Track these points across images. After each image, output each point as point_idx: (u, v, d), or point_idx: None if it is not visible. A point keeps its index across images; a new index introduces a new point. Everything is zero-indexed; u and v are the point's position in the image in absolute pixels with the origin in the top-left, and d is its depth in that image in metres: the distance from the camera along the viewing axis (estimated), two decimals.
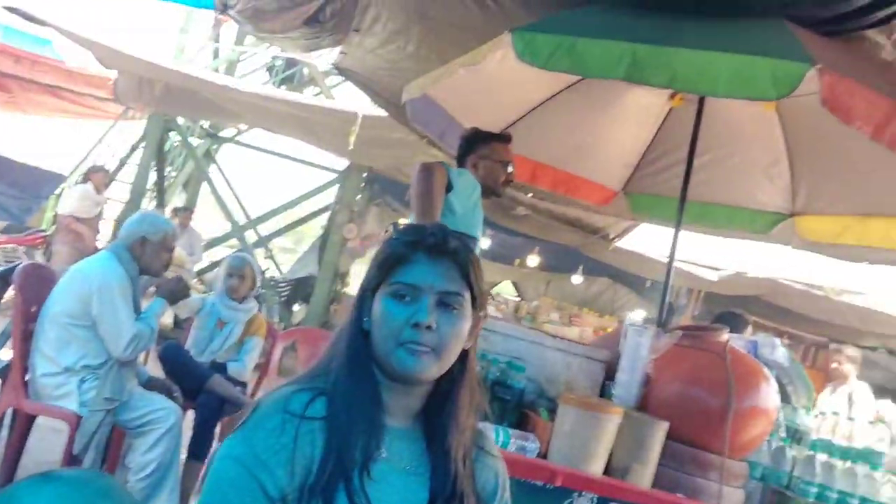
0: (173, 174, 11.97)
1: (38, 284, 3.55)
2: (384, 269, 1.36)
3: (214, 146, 12.10)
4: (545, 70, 2.68)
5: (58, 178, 10.23)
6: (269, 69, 13.23)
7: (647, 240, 8.46)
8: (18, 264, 3.52)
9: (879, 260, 5.20)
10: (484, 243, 10.14)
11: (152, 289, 4.01)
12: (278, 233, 11.39)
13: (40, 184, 10.18)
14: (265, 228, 11.24)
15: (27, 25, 7.09)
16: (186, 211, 9.87)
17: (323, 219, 11.15)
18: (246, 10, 4.64)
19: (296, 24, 4.52)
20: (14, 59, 8.81)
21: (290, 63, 12.44)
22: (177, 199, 11.88)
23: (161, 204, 10.79)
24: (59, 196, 9.47)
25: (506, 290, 13.54)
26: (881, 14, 2.79)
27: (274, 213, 10.88)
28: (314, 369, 1.39)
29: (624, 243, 8.78)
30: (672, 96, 4.08)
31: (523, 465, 2.38)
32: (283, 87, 12.60)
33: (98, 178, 8.70)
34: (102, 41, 7.01)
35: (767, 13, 2.88)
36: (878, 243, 4.01)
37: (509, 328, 3.19)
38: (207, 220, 11.65)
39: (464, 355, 1.39)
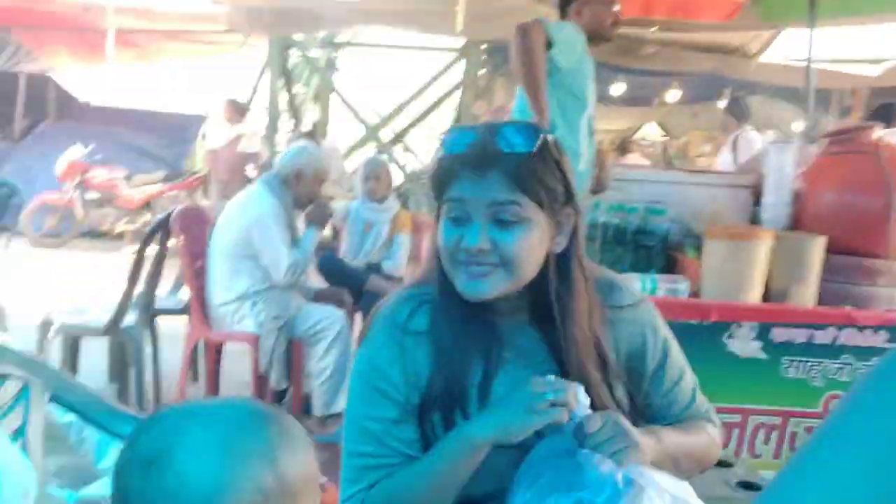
0: (304, 90, 12.22)
1: (196, 224, 3.79)
2: (435, 186, 1.27)
3: (334, 54, 12.20)
4: None
5: (199, 119, 10.73)
6: None
7: (794, 46, 7.83)
8: (172, 211, 3.75)
9: None
10: (618, 89, 9.76)
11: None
12: (412, 125, 11.45)
13: (185, 128, 10.74)
14: (399, 125, 11.33)
15: None
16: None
17: (453, 101, 11.09)
18: None
19: None
20: (134, 14, 9.17)
21: None
22: (309, 114, 12.16)
23: (298, 122, 11.09)
24: (204, 136, 9.96)
25: (650, 133, 13.04)
26: None
27: (402, 106, 10.94)
28: (420, 277, 1.36)
29: (768, 57, 8.18)
30: None
31: (675, 307, 2.35)
32: None
33: (230, 110, 9.03)
34: None
35: None
36: None
37: (643, 173, 3.10)
38: (342, 128, 11.88)
39: (562, 259, 1.27)
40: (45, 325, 3.62)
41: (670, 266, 2.71)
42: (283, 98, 10.84)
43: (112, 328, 3.62)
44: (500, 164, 1.19)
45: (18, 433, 1.50)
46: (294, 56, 11.51)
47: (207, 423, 0.77)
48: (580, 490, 1.05)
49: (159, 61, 11.58)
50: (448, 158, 1.24)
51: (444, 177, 1.24)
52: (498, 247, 1.20)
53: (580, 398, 1.14)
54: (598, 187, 3.24)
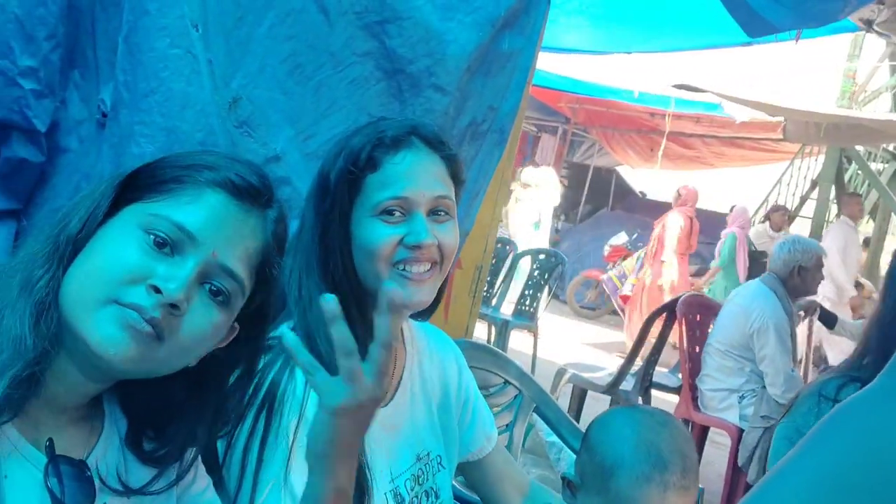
0: None
1: (699, 312, 4.09)
2: None
3: None
4: None
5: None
6: None
7: None
8: (680, 296, 4.10)
9: None
10: None
11: (801, 313, 4.17)
12: None
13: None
14: None
15: (695, 95, 8.18)
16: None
17: None
18: (886, 22, 4.60)
19: None
20: (694, 120, 9.97)
21: None
22: (865, 228, 11.49)
23: None
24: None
25: None
26: None
27: None
28: (850, 360, 1.54)
29: None
30: None
31: None
32: None
33: (776, 217, 9.12)
34: (760, 99, 7.52)
35: None
36: None
37: None
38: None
39: None
40: (560, 374, 4.29)
41: None
42: (832, 211, 10.51)
43: (611, 389, 4.11)
44: None
45: (507, 428, 2.01)
46: (852, 169, 11.09)
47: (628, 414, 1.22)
48: None
49: (716, 164, 12.25)
50: None
51: None
52: None
53: None
54: None
